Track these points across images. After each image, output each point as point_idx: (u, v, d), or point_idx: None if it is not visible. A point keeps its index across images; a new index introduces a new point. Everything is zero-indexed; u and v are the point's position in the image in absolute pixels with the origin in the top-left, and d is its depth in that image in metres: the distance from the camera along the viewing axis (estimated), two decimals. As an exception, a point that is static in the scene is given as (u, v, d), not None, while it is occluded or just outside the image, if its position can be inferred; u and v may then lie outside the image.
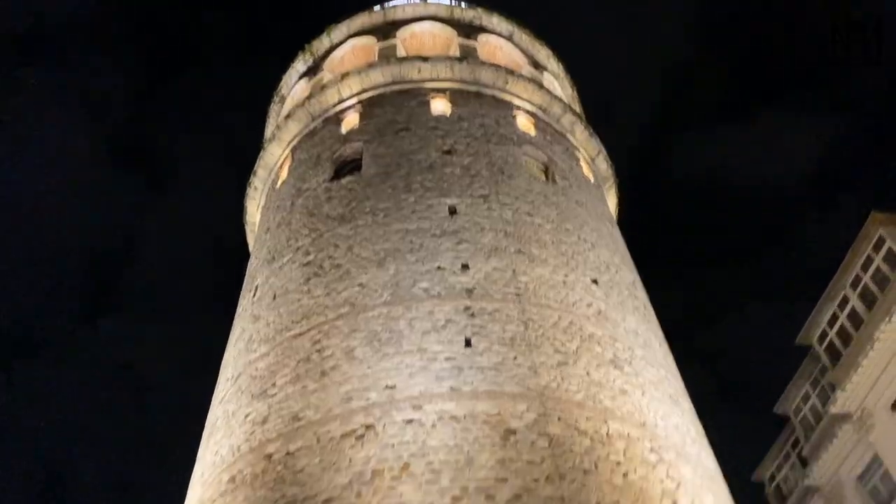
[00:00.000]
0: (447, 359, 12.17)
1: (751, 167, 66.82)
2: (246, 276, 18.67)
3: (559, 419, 11.52)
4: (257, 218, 21.69)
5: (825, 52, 59.73)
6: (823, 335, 17.28)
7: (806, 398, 18.26)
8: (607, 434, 11.72)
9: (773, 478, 19.98)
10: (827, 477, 17.05)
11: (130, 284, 63.46)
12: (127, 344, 60.56)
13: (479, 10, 23.82)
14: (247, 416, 12.67)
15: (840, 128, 62.03)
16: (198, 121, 69.96)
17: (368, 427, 11.22)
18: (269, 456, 11.47)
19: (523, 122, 19.73)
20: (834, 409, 16.35)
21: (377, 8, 23.91)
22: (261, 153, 21.86)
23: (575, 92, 25.33)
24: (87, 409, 55.69)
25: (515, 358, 12.36)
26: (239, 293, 17.96)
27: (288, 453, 11.30)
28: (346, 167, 17.90)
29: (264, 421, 12.22)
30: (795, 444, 19.19)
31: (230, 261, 66.05)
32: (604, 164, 22.24)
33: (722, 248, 64.56)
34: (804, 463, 18.41)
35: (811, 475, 17.52)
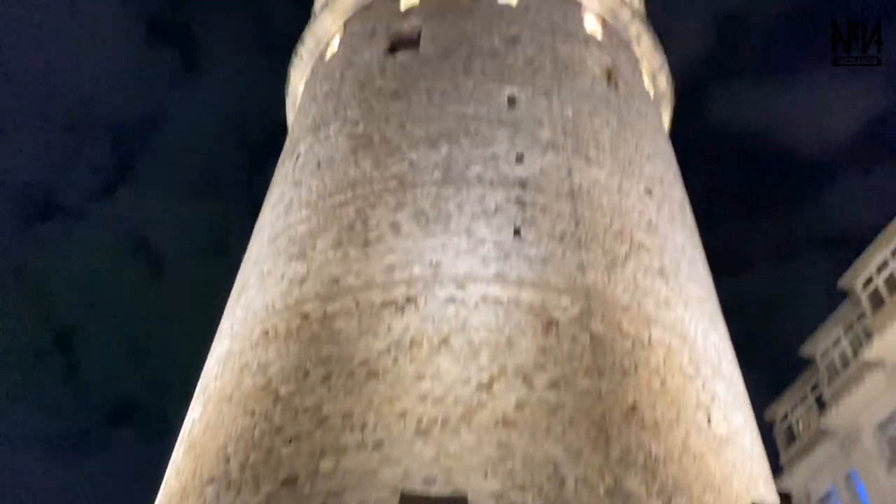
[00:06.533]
0: (495, 244, 11.84)
1: (789, 126, 64.65)
2: (286, 144, 18.19)
3: (603, 318, 11.25)
4: (300, 88, 21.01)
5: (878, 16, 56.80)
6: (869, 280, 16.82)
7: (836, 342, 17.98)
8: (649, 340, 11.48)
9: (785, 417, 19.99)
10: (845, 421, 16.96)
11: (153, 159, 63.10)
12: (144, 217, 60.80)
13: None
14: (283, 275, 12.46)
15: (885, 94, 59.46)
16: (234, 3, 67.73)
17: (410, 299, 10.98)
18: (306, 315, 11.29)
19: (590, 24, 18.71)
20: (868, 355, 16.08)
21: None
22: (310, 22, 20.97)
23: (643, 5, 24.02)
24: (100, 277, 56.25)
25: (564, 253, 12.00)
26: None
27: (325, 314, 11.12)
28: (403, 44, 17.09)
29: (302, 281, 12.00)
30: (815, 387, 19.06)
31: (254, 146, 65.61)
32: (664, 81, 21.27)
33: (749, 199, 63.32)
34: (822, 406, 18.32)
35: (828, 418, 17.45)
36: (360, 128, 14.82)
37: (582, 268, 11.85)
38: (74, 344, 59.73)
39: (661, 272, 12.90)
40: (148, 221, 64.41)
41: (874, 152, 59.19)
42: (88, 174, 60.96)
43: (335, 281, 11.62)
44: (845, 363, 17.52)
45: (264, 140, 65.44)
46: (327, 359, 10.44)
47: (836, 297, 18.43)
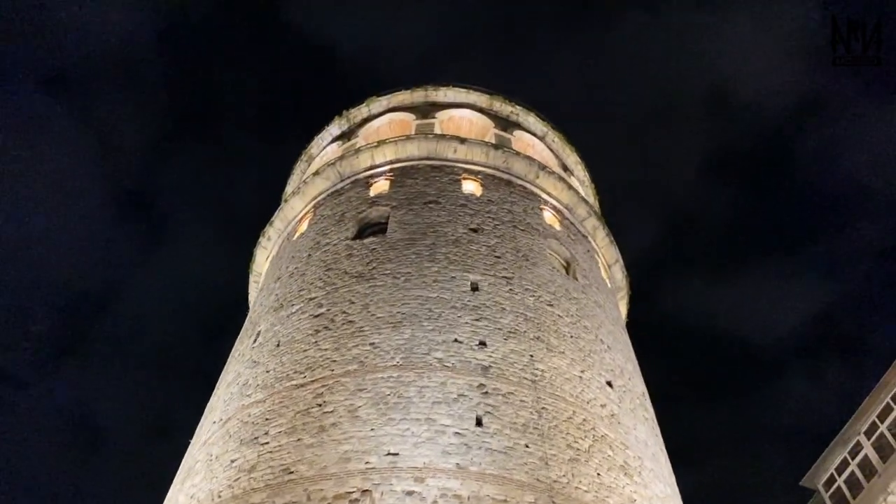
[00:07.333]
0: (456, 434, 11.49)
1: (740, 318, 66.99)
2: (246, 323, 18.02)
3: (567, 517, 10.74)
4: (265, 268, 21.24)
5: (815, 218, 61.61)
6: (831, 480, 16.59)
7: (805, 546, 17.35)
8: (615, 543, 10.92)
9: None
10: None
11: (103, 334, 61.45)
12: (88, 393, 58.14)
13: (518, 107, 24.31)
14: (233, 461, 11.78)
15: (826, 291, 62.74)
16: (204, 184, 70.02)
17: (365, 492, 10.40)
18: (253, 507, 10.54)
19: (549, 217, 19.71)
20: (838, 561, 15.47)
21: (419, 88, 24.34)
22: (281, 206, 21.71)
23: (596, 202, 25.54)
24: (34, 455, 52.63)
25: (527, 446, 11.68)
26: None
27: (273, 507, 10.40)
28: (370, 229, 17.66)
29: (252, 469, 11.33)
30: None
31: (210, 322, 64.88)
32: (619, 274, 22.12)
33: (703, 390, 63.79)
34: None
35: None
36: (323, 308, 14.83)
37: (545, 461, 11.49)
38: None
39: (625, 468, 12.56)
40: (91, 396, 61.63)
41: (821, 346, 61.09)
42: (34, 345, 58.81)
43: (286, 470, 11.00)
44: (816, 569, 16.80)
45: (221, 316, 64.84)
46: (272, 559, 9.61)
47: (797, 493, 18.07)
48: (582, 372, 14.18)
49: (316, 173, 21.08)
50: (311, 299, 15.39)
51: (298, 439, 11.59)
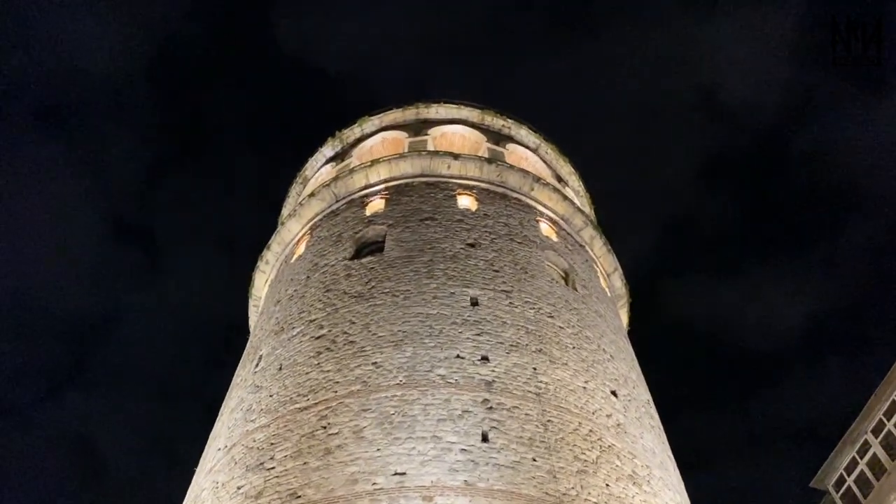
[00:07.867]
0: (462, 451, 11.43)
1: (741, 320, 66.89)
2: (247, 347, 17.97)
3: (578, 530, 10.67)
4: (264, 292, 21.21)
5: (813, 219, 61.80)
6: (841, 480, 16.52)
7: (818, 548, 17.23)
8: (628, 554, 10.84)
9: None
10: None
11: (104, 362, 61.31)
12: (90, 419, 57.87)
13: (510, 120, 24.42)
14: (239, 488, 11.70)
15: (825, 291, 62.72)
16: (200, 207, 70.11)
17: (373, 514, 10.32)
18: (261, 534, 10.46)
19: (546, 228, 19.74)
20: (853, 562, 15.37)
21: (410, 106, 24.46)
22: (277, 229, 21.72)
23: (592, 211, 25.59)
24: (37, 483, 52.30)
25: (534, 459, 11.62)
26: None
27: (282, 533, 10.31)
28: (368, 248, 17.67)
29: (258, 495, 11.25)
30: None
31: (212, 347, 64.70)
32: (619, 282, 22.13)
33: (706, 393, 63.61)
34: None
35: None
36: (324, 330, 14.79)
37: (553, 475, 11.43)
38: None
39: (633, 478, 12.51)
40: (94, 424, 61.29)
41: (824, 345, 61.05)
42: (34, 374, 58.66)
43: (293, 494, 10.93)
44: (831, 570, 16.68)
45: (222, 341, 64.69)
46: (282, 585, 9.52)
47: (807, 494, 17.98)
48: (586, 382, 14.14)
49: (311, 195, 21.11)
50: (311, 321, 15.36)
51: (304, 463, 11.52)
